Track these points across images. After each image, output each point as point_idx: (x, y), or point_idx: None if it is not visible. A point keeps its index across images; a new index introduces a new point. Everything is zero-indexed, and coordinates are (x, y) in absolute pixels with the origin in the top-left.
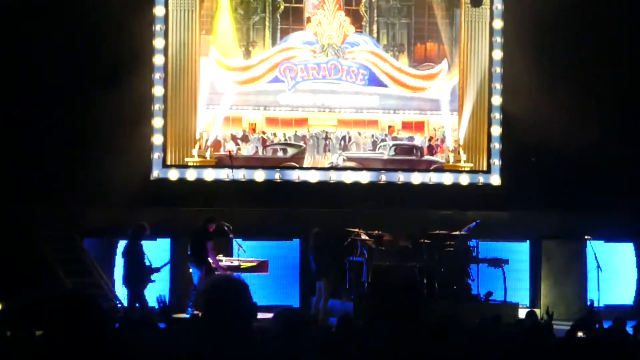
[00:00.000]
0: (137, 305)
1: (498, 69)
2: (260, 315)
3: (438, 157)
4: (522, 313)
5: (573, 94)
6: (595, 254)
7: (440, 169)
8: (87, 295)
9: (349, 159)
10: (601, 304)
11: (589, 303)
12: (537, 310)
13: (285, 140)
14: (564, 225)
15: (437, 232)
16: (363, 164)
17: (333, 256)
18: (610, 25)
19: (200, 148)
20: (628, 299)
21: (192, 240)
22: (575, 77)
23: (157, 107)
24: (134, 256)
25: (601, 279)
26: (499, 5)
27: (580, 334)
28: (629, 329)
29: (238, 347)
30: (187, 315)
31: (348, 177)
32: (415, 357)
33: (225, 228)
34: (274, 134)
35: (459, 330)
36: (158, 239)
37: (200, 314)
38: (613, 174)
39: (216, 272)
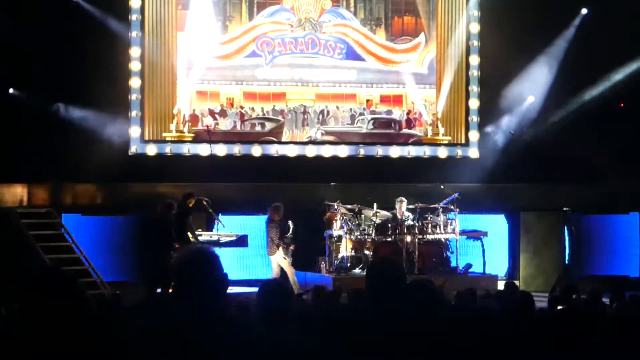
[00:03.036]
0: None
1: (475, 42)
2: (239, 290)
3: (416, 131)
4: (500, 285)
5: (550, 68)
6: (573, 225)
7: (419, 142)
8: (64, 272)
9: (328, 133)
10: (580, 275)
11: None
12: (516, 282)
13: (264, 114)
14: (543, 197)
15: (416, 205)
16: (341, 138)
17: (282, 231)
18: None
19: (178, 123)
20: (606, 269)
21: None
22: (553, 51)
23: (134, 82)
24: (163, 231)
25: (580, 251)
26: None
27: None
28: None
29: (210, 319)
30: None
31: (326, 151)
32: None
33: (204, 203)
34: (252, 109)
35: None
36: (136, 214)
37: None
38: (591, 146)
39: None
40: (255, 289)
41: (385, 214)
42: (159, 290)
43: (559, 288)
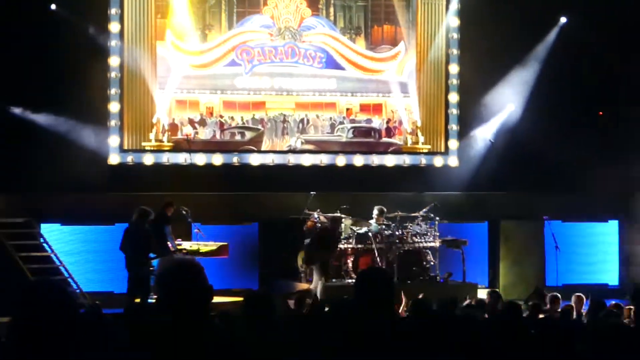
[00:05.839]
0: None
1: (455, 51)
2: (220, 300)
3: (396, 139)
4: (481, 293)
5: (528, 75)
6: (553, 234)
7: (399, 151)
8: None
9: (307, 142)
10: (559, 283)
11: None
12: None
13: (243, 123)
14: (522, 206)
15: (396, 213)
16: (321, 147)
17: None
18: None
19: (157, 132)
20: (587, 278)
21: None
22: (532, 59)
23: (113, 91)
24: (139, 240)
25: (559, 259)
26: None
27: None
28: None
29: (194, 329)
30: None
31: (306, 160)
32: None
33: (184, 212)
34: (232, 118)
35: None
36: (116, 224)
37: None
38: (569, 155)
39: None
40: (235, 299)
41: (365, 223)
42: (137, 300)
43: (536, 297)
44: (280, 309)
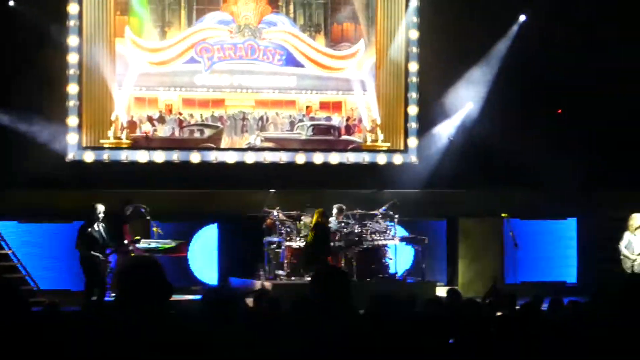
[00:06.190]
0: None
1: (415, 49)
2: (179, 297)
3: (356, 137)
4: (440, 291)
5: (487, 73)
6: (511, 231)
7: (358, 148)
8: (4, 281)
9: (267, 140)
10: (518, 281)
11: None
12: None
13: (202, 121)
14: (481, 204)
15: (355, 211)
16: (281, 145)
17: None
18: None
19: (116, 129)
20: (544, 275)
21: (108, 224)
22: (492, 57)
23: (71, 88)
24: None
25: (518, 257)
26: None
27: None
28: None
29: (153, 326)
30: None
31: (266, 158)
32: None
33: (142, 210)
34: (191, 115)
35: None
36: (74, 222)
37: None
38: (528, 152)
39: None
40: (193, 297)
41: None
42: (94, 298)
43: (494, 294)
44: (238, 306)
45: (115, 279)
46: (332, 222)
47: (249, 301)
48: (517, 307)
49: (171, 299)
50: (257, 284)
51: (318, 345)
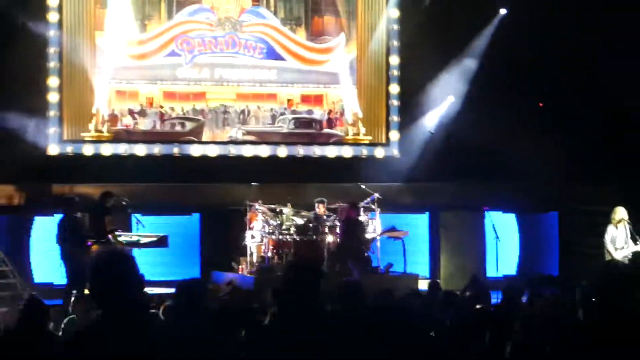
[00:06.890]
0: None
1: (395, 42)
2: (160, 291)
3: (337, 130)
4: (422, 284)
5: (468, 67)
6: (493, 224)
7: (340, 142)
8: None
9: (248, 133)
10: (499, 274)
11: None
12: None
13: (184, 114)
14: (462, 197)
15: (337, 205)
16: (262, 138)
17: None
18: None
19: (97, 123)
20: (525, 268)
21: (89, 216)
22: (473, 50)
23: (52, 82)
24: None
25: (499, 250)
26: None
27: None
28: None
29: (126, 319)
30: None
31: (247, 151)
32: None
33: (124, 203)
34: (172, 108)
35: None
36: (55, 215)
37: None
38: (510, 146)
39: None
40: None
41: (306, 214)
42: (74, 291)
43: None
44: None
45: (88, 272)
46: (314, 215)
47: (224, 293)
48: (497, 301)
49: (149, 292)
50: (236, 278)
51: (288, 338)
